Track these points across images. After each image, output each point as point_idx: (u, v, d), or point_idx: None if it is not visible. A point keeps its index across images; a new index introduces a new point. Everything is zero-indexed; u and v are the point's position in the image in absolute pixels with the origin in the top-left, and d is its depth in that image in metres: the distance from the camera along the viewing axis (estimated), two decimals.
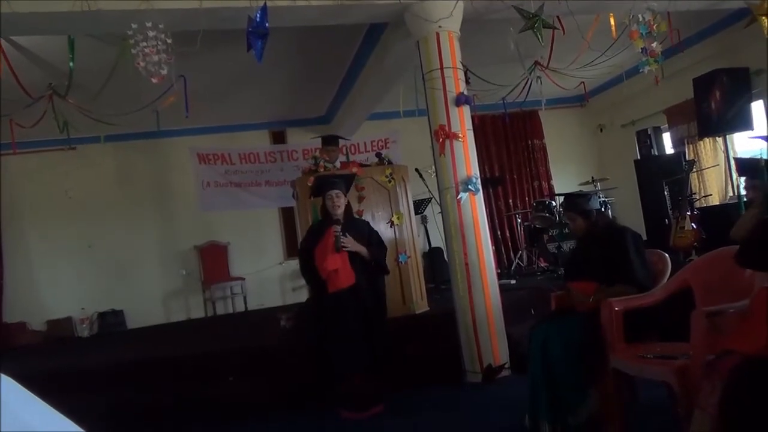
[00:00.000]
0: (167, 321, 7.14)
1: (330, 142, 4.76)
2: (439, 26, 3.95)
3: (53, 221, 6.89)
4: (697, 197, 6.26)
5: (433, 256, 6.94)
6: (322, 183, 3.65)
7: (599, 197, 3.74)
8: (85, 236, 7.00)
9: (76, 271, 6.92)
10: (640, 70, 4.01)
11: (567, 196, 3.19)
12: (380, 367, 3.49)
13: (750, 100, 5.72)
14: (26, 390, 0.71)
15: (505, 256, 7.70)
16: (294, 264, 7.17)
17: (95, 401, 3.64)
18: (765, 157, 3.57)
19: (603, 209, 3.14)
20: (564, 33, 4.30)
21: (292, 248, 7.31)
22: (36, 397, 0.71)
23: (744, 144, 6.23)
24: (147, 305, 7.04)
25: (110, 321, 6.76)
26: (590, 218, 2.96)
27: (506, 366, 3.86)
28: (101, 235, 7.03)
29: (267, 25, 3.17)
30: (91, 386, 3.94)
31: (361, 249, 3.50)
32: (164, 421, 3.68)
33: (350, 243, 3.45)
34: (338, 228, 3.42)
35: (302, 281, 6.02)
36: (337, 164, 4.68)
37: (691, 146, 6.63)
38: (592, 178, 6.72)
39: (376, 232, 3.80)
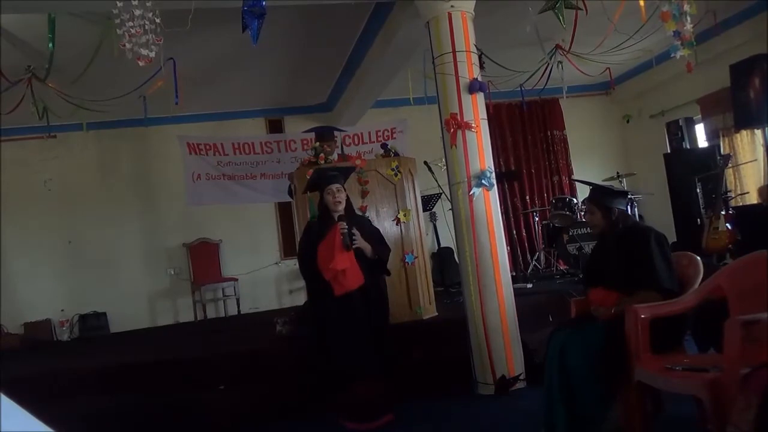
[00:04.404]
0: (153, 324, 7.18)
1: (324, 137, 4.74)
2: (452, 6, 3.94)
3: (30, 215, 6.93)
4: (733, 195, 6.22)
5: (442, 257, 6.94)
6: (320, 177, 3.66)
7: (628, 197, 3.73)
8: (65, 232, 7.05)
9: (56, 269, 6.96)
10: (672, 55, 3.98)
11: (594, 186, 3.19)
12: (386, 375, 3.50)
13: None
14: (4, 396, 0.72)
15: (521, 258, 7.68)
16: (291, 264, 7.22)
17: (75, 409, 3.68)
18: None
19: (628, 210, 3.12)
20: (587, 14, 4.27)
21: (289, 247, 7.33)
22: (15, 404, 0.72)
23: None
24: (131, 307, 7.08)
25: (92, 324, 6.80)
26: (610, 216, 2.95)
27: (521, 377, 3.87)
28: (83, 231, 7.07)
29: (264, 3, 3.18)
30: (72, 394, 3.98)
31: (366, 246, 3.53)
32: (149, 431, 3.72)
33: (359, 238, 3.47)
34: (345, 225, 3.43)
35: (300, 283, 6.05)
36: (335, 156, 4.68)
37: (726, 139, 6.59)
38: (618, 173, 6.69)
39: (378, 230, 3.81)
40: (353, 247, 3.42)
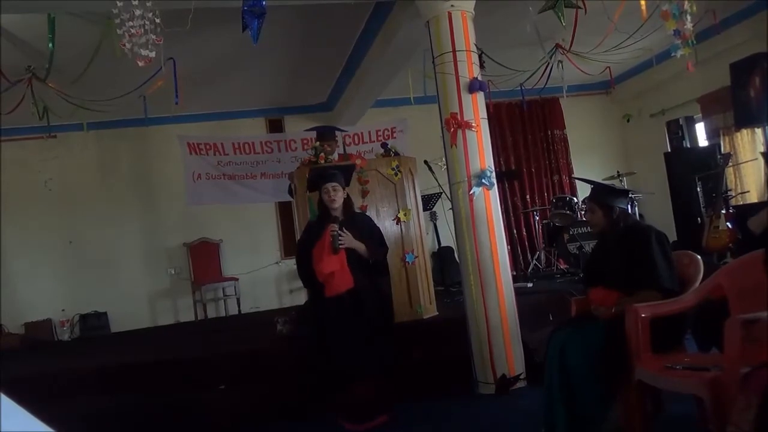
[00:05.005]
0: (154, 324, 7.18)
1: (326, 136, 4.74)
2: (452, 5, 3.94)
3: (31, 215, 6.93)
4: (733, 194, 6.22)
5: (442, 256, 6.94)
6: (317, 175, 3.65)
7: (629, 196, 3.72)
8: (66, 232, 7.05)
9: (56, 269, 6.96)
10: (672, 54, 3.98)
11: (595, 184, 3.19)
12: (385, 375, 3.49)
13: None
14: (4, 396, 0.72)
15: (521, 257, 7.68)
16: (291, 263, 7.20)
17: (75, 409, 3.68)
18: None
19: (629, 209, 3.12)
20: (585, 13, 4.27)
21: (289, 246, 7.33)
22: (15, 404, 0.72)
23: None
24: (132, 307, 7.08)
25: (92, 324, 6.80)
26: (611, 215, 2.95)
27: (522, 377, 3.87)
28: (83, 231, 7.07)
29: (264, 3, 3.17)
30: (72, 394, 3.98)
31: (359, 246, 3.50)
32: (149, 431, 3.71)
33: (347, 240, 3.45)
34: (335, 227, 3.42)
35: (300, 282, 6.06)
36: (335, 156, 4.68)
37: (726, 138, 6.59)
38: (618, 172, 6.69)
39: (378, 229, 3.80)
40: (341, 248, 3.40)
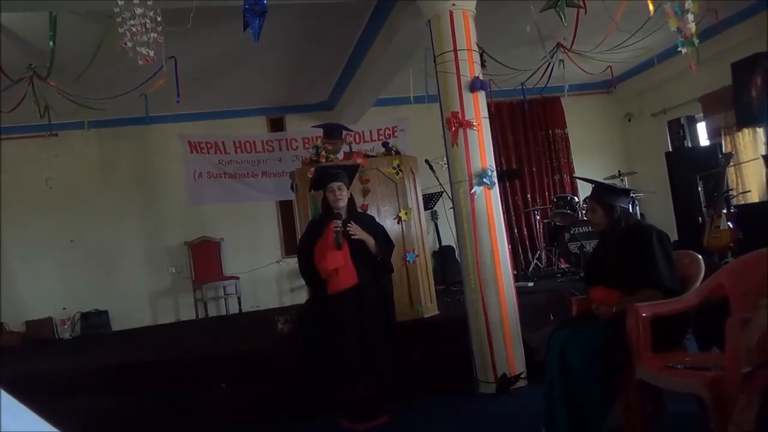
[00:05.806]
0: (155, 323, 7.19)
1: (333, 134, 4.72)
2: (453, 4, 3.94)
3: (32, 214, 6.93)
4: (735, 194, 6.22)
5: (443, 255, 6.95)
6: (322, 175, 3.65)
7: (630, 196, 3.73)
8: (67, 230, 7.05)
9: (57, 268, 6.97)
10: (678, 50, 3.97)
11: (596, 184, 3.18)
12: (383, 377, 3.49)
13: None
14: (5, 394, 0.72)
15: (522, 256, 7.69)
16: (292, 262, 7.22)
17: (77, 407, 3.68)
18: None
19: (630, 208, 3.12)
20: (586, 12, 4.27)
21: (290, 245, 7.34)
22: (17, 402, 0.72)
23: None
24: (133, 305, 7.09)
25: (93, 322, 6.81)
26: (612, 215, 2.95)
27: (522, 376, 3.87)
28: (84, 229, 7.08)
29: (265, 1, 3.17)
30: (73, 392, 3.98)
31: (368, 238, 3.50)
32: (150, 430, 3.71)
33: (357, 230, 3.45)
34: (338, 223, 3.42)
35: (301, 281, 6.06)
36: (340, 155, 4.68)
37: (728, 138, 6.58)
38: (619, 171, 6.69)
39: (382, 227, 3.80)
40: (354, 238, 3.41)
